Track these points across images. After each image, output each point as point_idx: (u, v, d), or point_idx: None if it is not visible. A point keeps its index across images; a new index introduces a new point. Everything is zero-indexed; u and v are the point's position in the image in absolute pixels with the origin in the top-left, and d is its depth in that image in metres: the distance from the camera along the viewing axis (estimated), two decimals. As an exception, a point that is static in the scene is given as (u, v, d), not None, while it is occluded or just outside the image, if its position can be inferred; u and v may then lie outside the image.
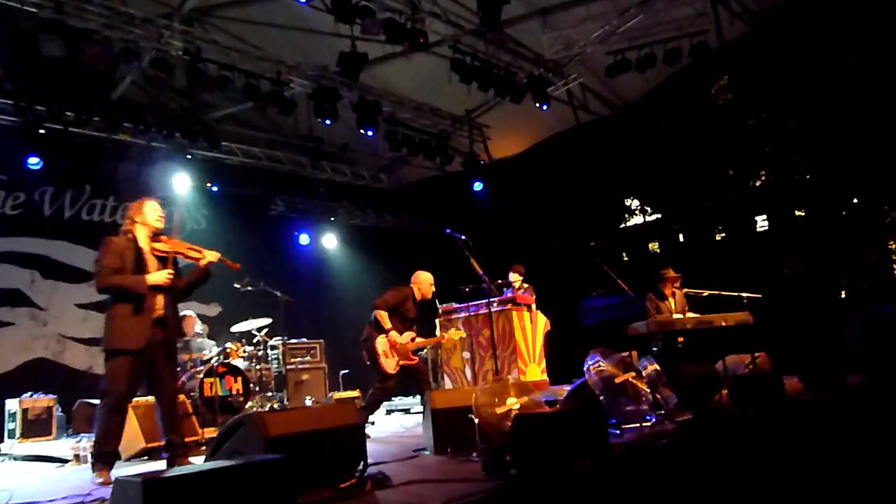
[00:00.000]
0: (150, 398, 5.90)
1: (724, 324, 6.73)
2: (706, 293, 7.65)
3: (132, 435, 5.82)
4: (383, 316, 6.65)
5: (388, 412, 9.80)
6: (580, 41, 9.67)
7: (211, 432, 6.25)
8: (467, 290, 7.14)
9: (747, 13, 9.55)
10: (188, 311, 8.49)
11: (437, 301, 7.35)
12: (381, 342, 6.62)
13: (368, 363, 6.70)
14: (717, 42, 9.31)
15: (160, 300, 4.61)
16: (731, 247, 10.65)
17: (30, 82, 8.70)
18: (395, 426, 7.66)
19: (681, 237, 11.59)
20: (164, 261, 4.72)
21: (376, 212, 13.42)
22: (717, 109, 10.32)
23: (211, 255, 4.90)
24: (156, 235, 4.77)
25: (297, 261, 12.25)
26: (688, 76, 10.33)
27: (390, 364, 6.58)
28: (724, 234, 11.02)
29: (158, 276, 4.59)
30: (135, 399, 5.98)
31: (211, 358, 7.91)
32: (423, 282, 6.94)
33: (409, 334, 6.78)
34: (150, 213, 4.79)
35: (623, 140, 11.39)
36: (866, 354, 7.84)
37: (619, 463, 3.85)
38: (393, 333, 6.62)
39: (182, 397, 6.15)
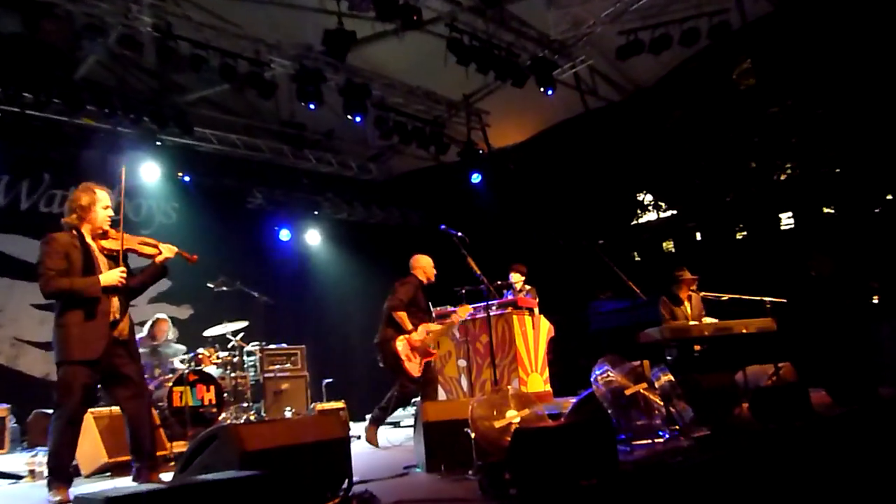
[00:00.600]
0: (114, 409, 5.89)
1: (744, 330, 6.73)
2: (725, 297, 7.65)
3: (94, 449, 5.79)
4: (404, 318, 6.73)
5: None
6: (589, 20, 9.67)
7: (181, 446, 6.24)
8: (463, 291, 7.16)
9: (772, -10, 9.57)
10: (161, 314, 8.47)
11: (429, 304, 7.38)
12: (402, 345, 6.70)
13: (383, 366, 6.78)
14: (739, 22, 9.31)
15: (115, 303, 4.56)
16: (753, 246, 10.67)
17: (-17, 60, 8.66)
18: (383, 440, 7.65)
19: (698, 236, 11.61)
20: (114, 259, 4.64)
21: (364, 205, 13.41)
22: (739, 96, 10.34)
23: (167, 250, 4.83)
24: (102, 233, 4.68)
25: (277, 259, 12.24)
26: (706, 59, 10.34)
27: (415, 367, 6.71)
28: (745, 233, 11.04)
29: (111, 276, 4.51)
30: (97, 410, 5.98)
31: (181, 364, 7.89)
32: (426, 265, 7.10)
33: (423, 328, 6.88)
34: (100, 211, 4.65)
35: (635, 129, 11.40)
36: (900, 365, 7.86)
37: (629, 482, 3.85)
38: (413, 334, 6.72)
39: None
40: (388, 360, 6.72)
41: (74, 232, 4.60)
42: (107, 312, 4.51)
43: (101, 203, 4.67)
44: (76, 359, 4.38)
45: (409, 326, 6.70)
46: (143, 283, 4.85)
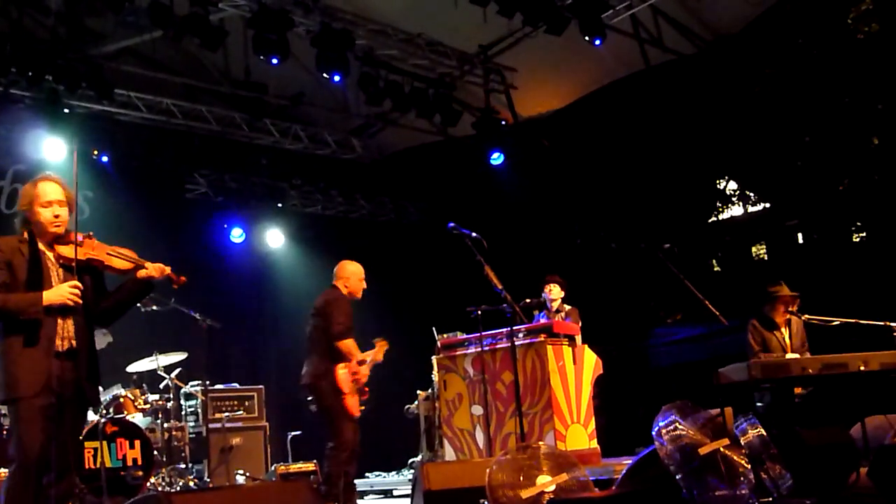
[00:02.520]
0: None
1: (862, 368, 6.70)
2: (837, 321, 7.63)
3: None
4: (352, 346, 6.99)
5: (363, 494, 9.78)
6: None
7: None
8: (479, 312, 7.15)
9: None
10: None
11: (434, 330, 7.39)
12: (343, 374, 6.93)
13: (315, 409, 7.05)
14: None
15: (68, 326, 4.63)
16: (876, 253, 10.63)
17: None
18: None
19: (799, 237, 11.57)
20: (72, 271, 4.66)
21: (345, 195, 13.41)
22: (856, 46, 10.30)
23: (153, 269, 4.92)
24: (59, 239, 4.71)
25: (226, 267, 12.25)
26: (812, -3, 10.35)
27: (356, 405, 6.98)
28: (864, 234, 11.00)
29: (56, 292, 4.56)
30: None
31: (95, 412, 7.89)
32: (352, 275, 7.31)
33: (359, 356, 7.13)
34: (40, 210, 4.66)
35: (714, 92, 11.38)
36: None
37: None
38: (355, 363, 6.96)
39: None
40: (327, 399, 6.94)
41: (26, 235, 4.70)
42: (51, 338, 4.56)
43: (42, 198, 4.69)
44: (13, 396, 4.49)
45: (360, 355, 7.00)
46: (119, 302, 4.94)
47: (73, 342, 4.63)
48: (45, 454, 4.42)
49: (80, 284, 4.59)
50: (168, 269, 5.01)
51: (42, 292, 4.54)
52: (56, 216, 4.67)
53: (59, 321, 4.59)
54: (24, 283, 4.57)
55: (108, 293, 4.92)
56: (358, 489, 9.77)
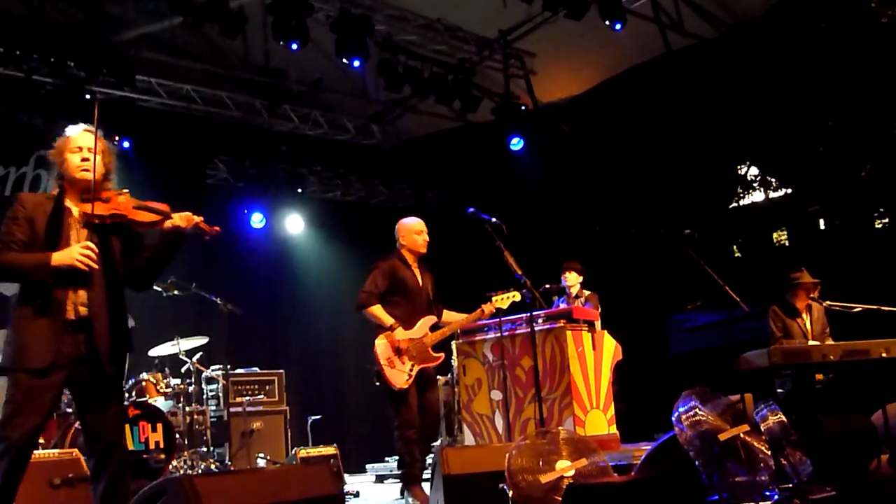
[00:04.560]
0: (41, 453, 5.97)
1: (884, 355, 6.67)
2: (859, 308, 7.59)
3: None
4: (377, 312, 6.76)
5: (380, 478, 9.83)
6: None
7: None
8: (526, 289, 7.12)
9: None
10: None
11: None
12: (381, 346, 6.72)
13: (378, 385, 6.79)
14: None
15: (81, 294, 4.34)
16: (898, 239, 10.58)
17: None
18: (388, 499, 7.68)
19: (821, 223, 11.50)
20: (102, 231, 4.42)
21: (364, 181, 13.43)
22: (879, 31, 10.20)
23: (179, 218, 4.55)
24: (89, 192, 4.40)
25: (247, 252, 12.30)
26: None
27: (398, 376, 6.67)
28: (886, 221, 10.92)
29: (66, 253, 4.27)
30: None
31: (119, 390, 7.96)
32: (406, 232, 7.09)
33: (425, 321, 6.91)
34: (70, 157, 4.43)
35: (736, 77, 11.31)
36: None
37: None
38: (399, 330, 6.73)
39: (75, 453, 6.20)
40: (376, 375, 6.76)
41: (57, 191, 4.48)
42: (62, 306, 4.30)
43: (73, 144, 4.49)
44: (14, 365, 4.25)
45: (389, 321, 6.73)
46: (149, 261, 4.62)
47: (83, 310, 4.34)
48: (32, 437, 4.23)
49: (93, 246, 4.30)
50: (198, 219, 4.65)
51: (52, 253, 4.27)
52: (84, 159, 4.44)
53: (72, 287, 4.32)
54: (41, 243, 4.31)
55: (141, 254, 4.61)
56: (378, 473, 9.87)
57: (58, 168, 4.50)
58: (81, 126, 4.59)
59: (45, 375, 4.22)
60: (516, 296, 6.84)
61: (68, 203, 4.44)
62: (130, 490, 4.34)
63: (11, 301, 4.41)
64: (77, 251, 4.25)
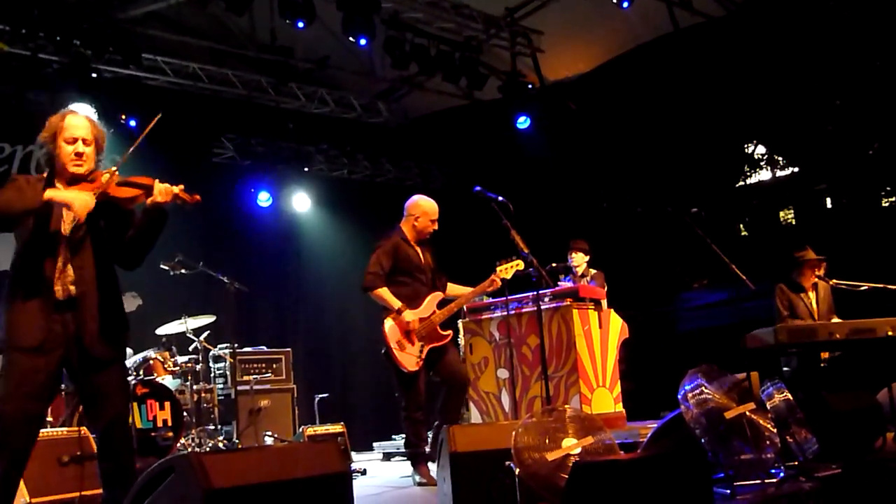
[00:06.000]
0: (50, 431, 6.01)
1: (890, 333, 6.66)
2: (865, 286, 7.58)
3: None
4: (384, 294, 6.75)
5: (387, 456, 9.86)
6: None
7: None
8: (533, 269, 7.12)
9: None
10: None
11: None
12: (390, 328, 6.71)
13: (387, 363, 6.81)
14: None
15: (69, 272, 4.28)
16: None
17: None
18: (395, 476, 7.71)
19: (828, 202, 11.48)
20: (90, 212, 4.32)
21: (370, 159, 13.42)
22: (888, 8, 10.13)
23: (161, 191, 4.43)
24: (77, 181, 4.38)
25: (254, 231, 12.31)
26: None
27: (408, 359, 6.67)
28: (893, 199, 10.89)
29: (76, 195, 4.20)
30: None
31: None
32: (425, 215, 7.02)
33: (432, 299, 6.91)
34: (62, 144, 4.35)
35: (744, 55, 11.25)
36: None
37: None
38: (407, 312, 6.72)
39: (84, 431, 6.23)
40: (384, 355, 6.75)
41: (47, 173, 4.41)
42: (50, 285, 4.23)
43: (67, 132, 4.39)
44: (12, 345, 4.18)
45: (396, 303, 6.70)
46: (133, 239, 4.50)
47: (71, 288, 4.27)
48: (18, 412, 4.14)
49: (92, 197, 4.24)
50: (177, 189, 4.49)
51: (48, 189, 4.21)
52: (78, 154, 4.37)
53: (59, 264, 4.25)
54: (33, 223, 4.22)
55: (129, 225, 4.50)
56: (385, 451, 9.90)
57: (49, 151, 4.41)
58: (79, 110, 4.51)
59: (36, 354, 4.17)
60: (520, 264, 6.79)
61: (57, 186, 4.36)
62: (139, 467, 4.34)
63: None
64: (85, 198, 4.20)
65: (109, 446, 4.34)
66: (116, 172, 4.43)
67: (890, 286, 7.36)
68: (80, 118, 4.46)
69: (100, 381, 4.33)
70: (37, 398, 4.20)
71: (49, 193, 4.19)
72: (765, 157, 12.16)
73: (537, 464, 4.40)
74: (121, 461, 4.34)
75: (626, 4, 9.91)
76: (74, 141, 4.38)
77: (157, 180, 4.49)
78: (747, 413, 5.09)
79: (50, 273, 4.23)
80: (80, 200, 4.19)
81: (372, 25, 9.83)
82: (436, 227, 7.07)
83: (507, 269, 6.90)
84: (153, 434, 7.50)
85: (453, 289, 7.17)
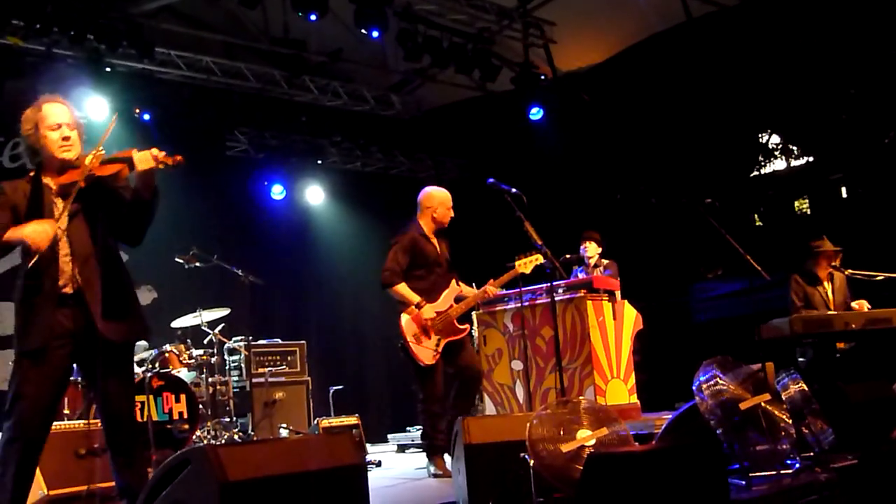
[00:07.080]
0: (67, 423, 6.04)
1: (907, 323, 6.65)
2: (881, 276, 7.56)
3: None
4: (402, 290, 6.77)
5: (402, 448, 9.88)
6: None
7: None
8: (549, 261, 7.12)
9: None
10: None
11: (474, 286, 7.38)
12: (407, 323, 6.74)
13: (403, 357, 6.83)
14: None
15: (66, 267, 4.28)
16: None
17: None
18: (409, 468, 7.72)
19: (843, 192, 11.42)
20: (83, 198, 4.34)
21: (384, 151, 13.42)
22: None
23: (141, 158, 4.35)
24: (66, 169, 4.36)
25: (268, 224, 12.33)
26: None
27: (426, 353, 6.70)
28: (910, 188, 10.83)
29: (32, 228, 4.13)
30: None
31: (141, 366, 8.01)
32: (441, 204, 7.04)
33: (449, 293, 6.94)
34: (48, 133, 4.32)
35: (757, 44, 11.19)
36: None
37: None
38: (426, 308, 6.75)
39: (100, 424, 6.26)
40: (400, 349, 6.78)
41: (34, 172, 4.39)
42: (55, 279, 4.24)
43: (49, 120, 4.36)
44: (17, 348, 4.23)
45: (415, 298, 6.73)
46: (126, 217, 4.45)
47: (79, 279, 4.27)
48: (34, 415, 4.16)
49: (53, 221, 4.20)
50: (155, 152, 4.40)
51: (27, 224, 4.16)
52: (65, 138, 4.35)
53: (60, 260, 4.26)
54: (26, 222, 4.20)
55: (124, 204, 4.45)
56: (399, 443, 9.92)
57: (33, 144, 4.39)
58: (52, 98, 4.49)
59: (41, 356, 4.17)
60: (539, 258, 6.78)
61: (46, 180, 4.36)
62: (154, 459, 4.38)
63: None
64: (44, 228, 4.15)
65: (118, 438, 4.37)
66: (102, 152, 4.38)
67: (907, 276, 7.34)
68: (57, 105, 4.44)
69: (109, 374, 4.33)
70: (47, 395, 4.22)
71: (8, 235, 4.15)
72: (779, 147, 12.09)
73: (552, 455, 4.40)
74: (131, 453, 4.38)
75: (639, -6, 9.87)
76: (59, 127, 4.36)
77: (134, 149, 4.43)
78: (762, 404, 5.08)
79: (53, 268, 4.24)
80: (35, 233, 4.13)
81: (384, 18, 9.83)
82: (452, 213, 7.09)
83: (527, 264, 6.90)
84: (169, 426, 7.53)
85: (462, 288, 7.19)
